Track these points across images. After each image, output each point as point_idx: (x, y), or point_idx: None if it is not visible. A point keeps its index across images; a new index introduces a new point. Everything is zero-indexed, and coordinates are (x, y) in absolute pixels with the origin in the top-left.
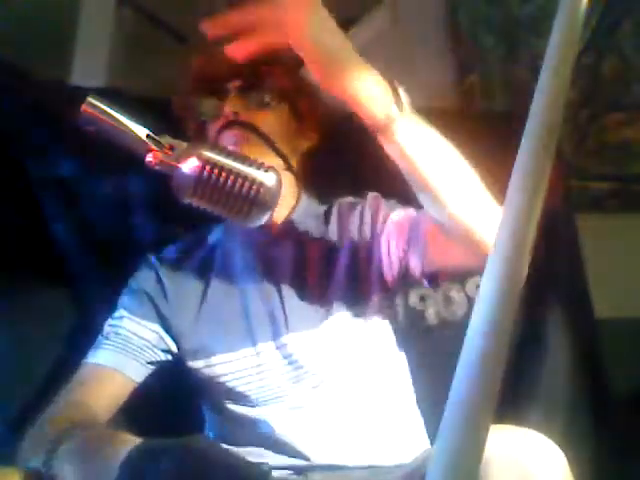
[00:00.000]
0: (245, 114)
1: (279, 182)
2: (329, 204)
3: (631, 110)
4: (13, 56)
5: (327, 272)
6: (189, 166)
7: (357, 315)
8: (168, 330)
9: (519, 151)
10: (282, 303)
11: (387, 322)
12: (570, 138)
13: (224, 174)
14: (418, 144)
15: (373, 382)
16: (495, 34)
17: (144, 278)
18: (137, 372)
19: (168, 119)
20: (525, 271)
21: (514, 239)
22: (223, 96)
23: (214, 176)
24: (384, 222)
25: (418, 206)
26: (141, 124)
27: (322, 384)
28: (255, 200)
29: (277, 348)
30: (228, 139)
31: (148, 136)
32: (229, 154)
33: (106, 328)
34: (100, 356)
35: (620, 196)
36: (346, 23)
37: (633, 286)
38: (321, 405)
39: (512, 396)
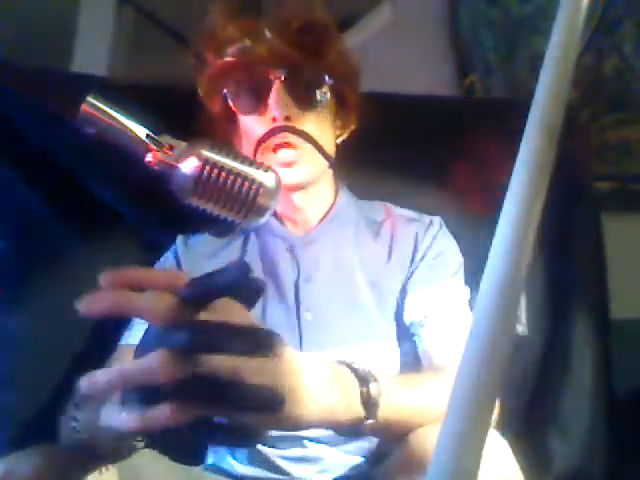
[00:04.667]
0: (294, 116)
1: (279, 182)
2: (380, 209)
3: (631, 110)
4: (13, 55)
5: (367, 290)
6: (189, 166)
7: (382, 350)
8: None
9: (519, 151)
10: (298, 317)
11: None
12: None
13: (224, 174)
14: (396, 423)
15: None
16: (495, 34)
17: (165, 263)
18: None
19: (168, 113)
20: (525, 270)
21: (514, 239)
22: (264, 89)
23: (214, 176)
24: (426, 285)
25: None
26: (141, 119)
27: None
28: (255, 200)
29: None
30: (276, 144)
31: (148, 136)
32: (229, 154)
33: None
34: (135, 336)
35: (620, 196)
36: (346, 23)
37: (633, 286)
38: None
39: (532, 412)
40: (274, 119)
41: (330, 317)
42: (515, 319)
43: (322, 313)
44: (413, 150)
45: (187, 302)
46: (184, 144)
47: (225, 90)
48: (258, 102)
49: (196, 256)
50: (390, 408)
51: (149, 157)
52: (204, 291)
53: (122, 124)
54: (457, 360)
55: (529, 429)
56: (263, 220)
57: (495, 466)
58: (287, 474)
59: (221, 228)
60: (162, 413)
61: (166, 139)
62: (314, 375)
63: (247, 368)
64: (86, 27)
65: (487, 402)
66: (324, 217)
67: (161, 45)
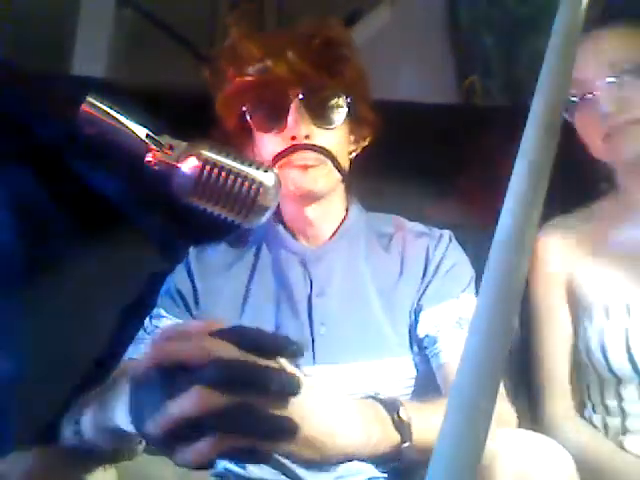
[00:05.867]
0: (313, 134)
1: (278, 182)
2: (389, 222)
3: None
4: (13, 56)
5: (379, 304)
6: (189, 166)
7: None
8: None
9: (519, 151)
10: (311, 331)
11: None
12: None
13: (224, 174)
14: (430, 444)
15: None
16: (495, 34)
17: (178, 277)
18: None
19: (168, 113)
20: (525, 270)
21: (514, 239)
22: (283, 108)
23: (214, 176)
24: (438, 301)
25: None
26: (141, 120)
27: None
28: (255, 200)
29: None
30: (296, 161)
31: (148, 136)
32: (228, 154)
33: (146, 323)
34: (140, 351)
35: None
36: (346, 23)
37: None
38: None
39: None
40: (293, 137)
41: (343, 332)
42: (515, 318)
43: (335, 328)
44: (419, 158)
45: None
46: (184, 144)
47: (244, 107)
48: (277, 120)
49: (208, 269)
50: (422, 430)
51: (149, 157)
52: (259, 347)
53: (122, 124)
54: None
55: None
56: (263, 220)
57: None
58: None
59: (234, 237)
60: (206, 446)
61: (166, 139)
62: (344, 410)
63: (277, 406)
64: (86, 27)
65: (488, 402)
66: (336, 231)
67: (161, 45)
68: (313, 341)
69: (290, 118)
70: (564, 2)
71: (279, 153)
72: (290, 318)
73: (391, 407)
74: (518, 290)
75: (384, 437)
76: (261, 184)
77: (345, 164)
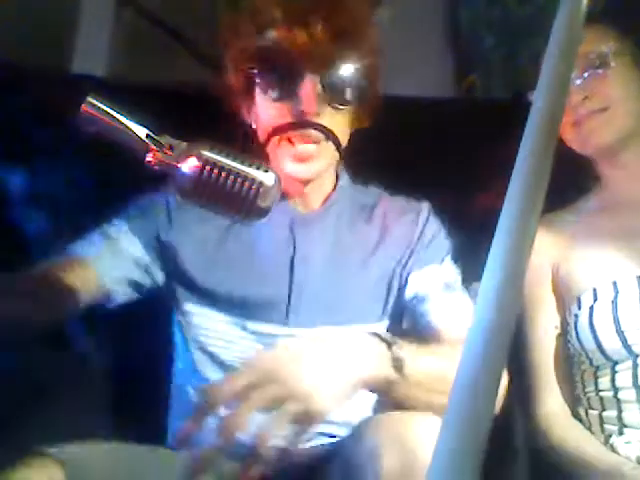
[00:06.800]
0: (323, 113)
1: (278, 181)
2: (373, 195)
3: None
4: (13, 56)
5: (360, 273)
6: (189, 166)
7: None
8: (167, 257)
9: (519, 151)
10: (290, 288)
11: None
12: None
13: (224, 174)
14: (419, 384)
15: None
16: (495, 34)
17: (149, 201)
18: (111, 278)
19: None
20: (525, 270)
21: (514, 239)
22: (299, 81)
23: (214, 176)
24: (426, 263)
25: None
26: (141, 119)
27: None
28: (255, 200)
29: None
30: (297, 136)
31: (148, 136)
32: (228, 154)
33: (104, 228)
34: (88, 251)
35: None
36: None
37: None
38: None
39: None
40: (303, 112)
41: (319, 297)
42: (514, 320)
43: (312, 293)
44: (417, 150)
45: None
46: (184, 144)
47: (254, 69)
48: (288, 90)
49: (186, 219)
50: (414, 368)
51: (149, 157)
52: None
53: (122, 124)
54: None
55: None
56: (263, 219)
57: None
58: None
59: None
60: None
61: (166, 139)
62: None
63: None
64: (86, 27)
65: (487, 403)
66: (325, 200)
67: (161, 45)
68: (289, 302)
69: (304, 92)
70: (564, 2)
71: (284, 125)
72: (267, 275)
73: (388, 344)
74: (518, 289)
75: (378, 371)
76: (261, 184)
77: (345, 142)
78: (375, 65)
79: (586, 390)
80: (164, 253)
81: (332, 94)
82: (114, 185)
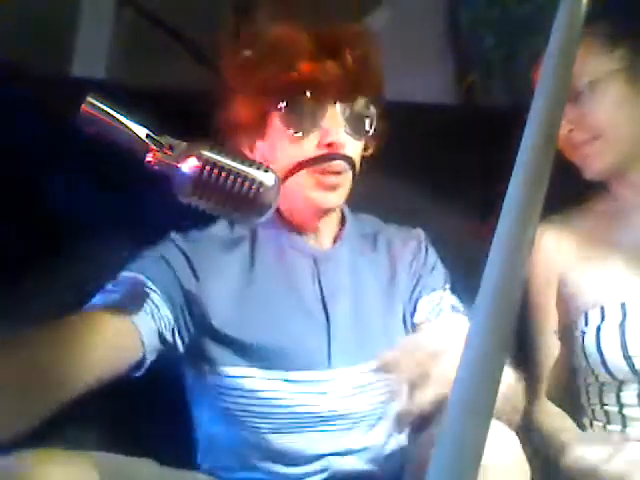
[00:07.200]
0: (347, 144)
1: (278, 182)
2: (370, 223)
3: None
4: (13, 56)
5: (381, 302)
6: (189, 166)
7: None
8: (193, 308)
9: (519, 151)
10: (328, 334)
11: None
12: None
13: (224, 174)
14: None
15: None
16: (495, 34)
17: (165, 250)
18: (148, 332)
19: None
20: (524, 272)
21: (514, 239)
22: (323, 112)
23: (214, 176)
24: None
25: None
26: (141, 120)
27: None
28: (255, 200)
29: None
30: (327, 169)
31: (148, 136)
32: (228, 154)
33: (119, 278)
34: (107, 301)
35: None
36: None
37: None
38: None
39: None
40: (330, 144)
41: (355, 333)
42: (514, 317)
43: (348, 329)
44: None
45: None
46: (184, 144)
47: (282, 104)
48: (312, 123)
49: (206, 252)
50: None
51: (149, 157)
52: None
53: (122, 124)
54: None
55: None
56: (263, 219)
57: (501, 456)
58: None
59: (220, 226)
60: None
61: (166, 139)
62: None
63: None
64: (86, 27)
65: (488, 399)
66: (339, 234)
67: (161, 45)
68: (329, 344)
69: (331, 123)
70: (564, 2)
71: (313, 159)
72: (302, 319)
73: None
74: (516, 292)
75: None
76: (261, 184)
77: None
78: (384, 95)
79: (591, 402)
80: (192, 309)
81: (354, 124)
82: (114, 185)
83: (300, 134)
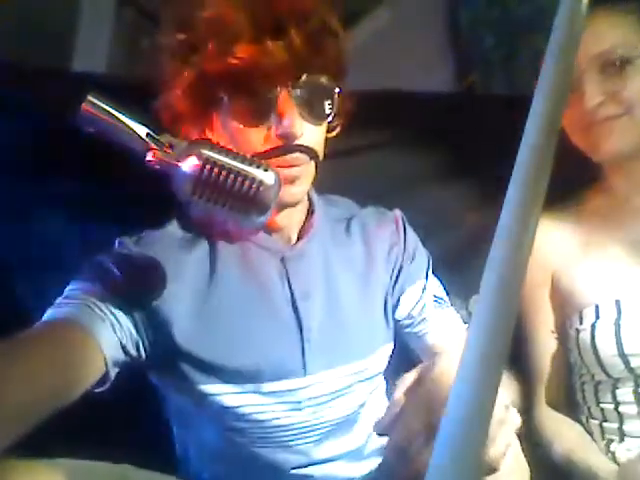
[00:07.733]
0: (304, 132)
1: (279, 181)
2: (344, 207)
3: None
4: (13, 56)
5: (357, 298)
6: (189, 165)
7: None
8: (152, 320)
9: (519, 150)
10: (301, 338)
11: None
12: None
13: (224, 173)
14: None
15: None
16: (495, 34)
17: (114, 253)
18: (109, 345)
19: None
20: (525, 269)
21: (514, 239)
22: (273, 100)
23: (214, 175)
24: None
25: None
26: (142, 118)
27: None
28: (255, 199)
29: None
30: (283, 162)
31: (148, 135)
32: (228, 153)
33: (68, 291)
34: (61, 314)
35: None
36: (346, 23)
37: None
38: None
39: None
40: (286, 135)
41: (332, 335)
42: (515, 316)
43: (324, 332)
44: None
45: None
46: (184, 143)
47: (221, 93)
48: (262, 112)
49: (163, 255)
50: None
51: (149, 156)
52: None
53: (123, 123)
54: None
55: None
56: (263, 219)
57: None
58: None
59: (169, 228)
60: None
61: (166, 138)
62: None
63: None
64: (86, 27)
65: (488, 400)
66: (308, 228)
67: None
68: (303, 348)
69: (283, 112)
70: (564, 2)
71: (266, 152)
72: (270, 321)
73: None
74: (516, 290)
75: None
76: (261, 183)
77: (322, 155)
78: (346, 73)
79: (586, 399)
80: (152, 321)
81: (311, 109)
82: (115, 185)
83: (248, 126)
